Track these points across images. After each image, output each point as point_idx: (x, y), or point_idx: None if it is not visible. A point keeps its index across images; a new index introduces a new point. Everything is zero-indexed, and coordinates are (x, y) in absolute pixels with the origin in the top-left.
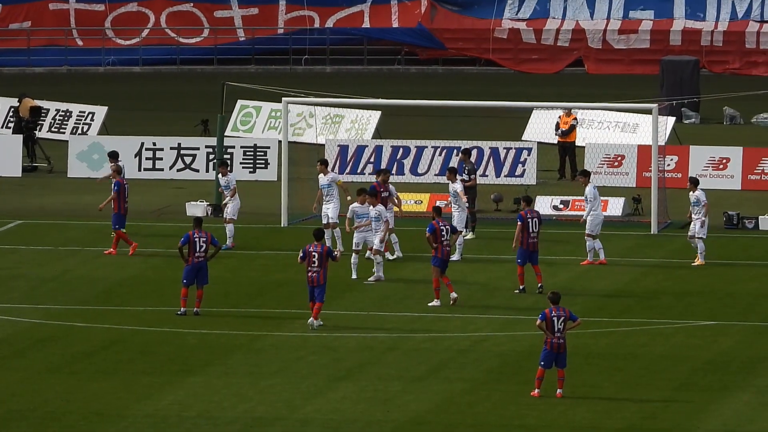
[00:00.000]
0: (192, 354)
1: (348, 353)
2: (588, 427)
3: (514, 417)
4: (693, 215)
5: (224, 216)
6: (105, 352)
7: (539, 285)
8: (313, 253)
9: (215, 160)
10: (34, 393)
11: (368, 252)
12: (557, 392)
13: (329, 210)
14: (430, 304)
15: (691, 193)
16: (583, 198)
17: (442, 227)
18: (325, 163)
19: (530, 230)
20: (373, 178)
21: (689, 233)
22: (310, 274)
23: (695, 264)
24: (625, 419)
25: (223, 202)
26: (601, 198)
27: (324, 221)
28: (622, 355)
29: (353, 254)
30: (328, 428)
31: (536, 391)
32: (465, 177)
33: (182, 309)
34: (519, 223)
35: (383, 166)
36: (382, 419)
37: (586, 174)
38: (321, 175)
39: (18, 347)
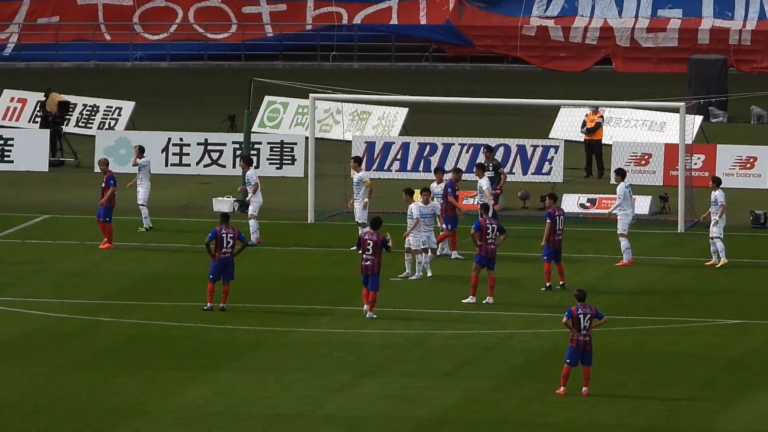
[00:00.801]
0: (217, 349)
1: (373, 350)
2: (612, 425)
3: (539, 414)
4: (711, 215)
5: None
6: (130, 347)
7: (561, 282)
8: (368, 241)
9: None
10: (59, 387)
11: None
12: (582, 390)
13: (357, 209)
14: (464, 301)
15: (712, 192)
16: (611, 196)
17: (488, 225)
18: (358, 161)
19: (556, 227)
20: (399, 176)
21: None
22: (364, 262)
23: (708, 264)
24: (650, 417)
25: (247, 198)
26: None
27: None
28: (647, 354)
29: (421, 254)
30: (352, 425)
31: (562, 388)
32: (491, 173)
33: (209, 304)
34: (549, 221)
35: (410, 163)
36: (406, 416)
37: (620, 173)
38: (353, 172)
39: (43, 341)
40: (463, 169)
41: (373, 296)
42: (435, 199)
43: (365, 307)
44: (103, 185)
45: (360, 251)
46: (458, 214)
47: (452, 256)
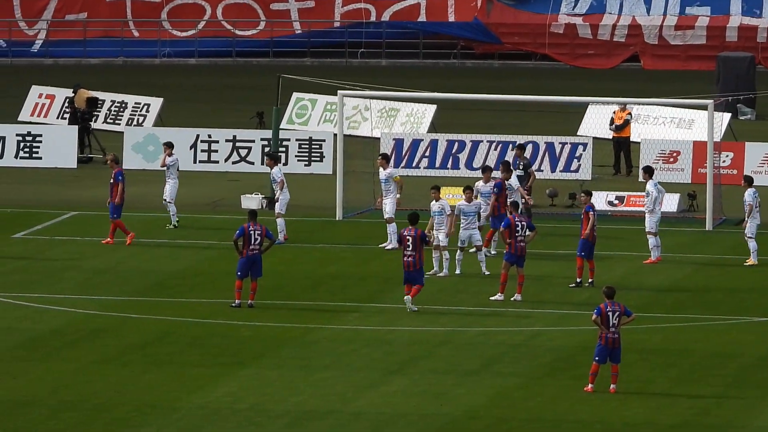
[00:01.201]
0: (245, 346)
1: (401, 347)
2: (641, 423)
3: (568, 412)
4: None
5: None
6: (158, 344)
7: (590, 280)
8: (408, 237)
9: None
10: (86, 384)
11: (472, 249)
12: (611, 387)
13: (387, 205)
14: (492, 298)
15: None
16: (639, 194)
17: (517, 222)
18: (386, 157)
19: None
20: (427, 173)
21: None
22: (405, 258)
23: (747, 263)
24: (678, 415)
25: (276, 196)
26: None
27: (385, 216)
28: (676, 351)
29: (458, 251)
30: (380, 422)
31: (590, 386)
32: (520, 172)
33: (237, 301)
34: (593, 213)
35: (438, 160)
36: (434, 413)
37: (648, 170)
38: (381, 169)
39: (71, 338)
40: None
41: (417, 288)
42: (480, 197)
43: (407, 296)
44: (112, 181)
45: (392, 247)
46: (522, 203)
47: (490, 253)
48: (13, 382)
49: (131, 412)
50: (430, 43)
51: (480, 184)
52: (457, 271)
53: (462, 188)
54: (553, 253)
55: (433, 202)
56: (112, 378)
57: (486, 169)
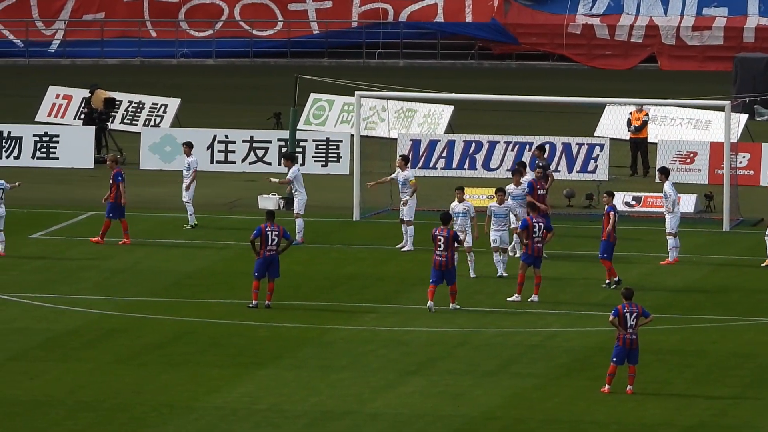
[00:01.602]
0: (262, 347)
1: (418, 347)
2: (658, 424)
3: (585, 413)
4: None
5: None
6: (175, 344)
7: (607, 281)
8: (439, 237)
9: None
10: (104, 384)
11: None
12: (627, 388)
13: (404, 207)
14: (509, 299)
15: None
16: (656, 195)
17: (535, 223)
18: (405, 159)
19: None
20: (444, 173)
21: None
22: (437, 258)
23: (764, 264)
24: (696, 416)
25: (294, 193)
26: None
27: (400, 217)
28: (693, 352)
29: (493, 252)
30: (397, 422)
31: (607, 387)
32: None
33: (254, 302)
34: (614, 214)
35: (455, 161)
36: (452, 414)
37: (664, 171)
38: (398, 171)
39: (88, 338)
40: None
41: (453, 289)
42: (510, 199)
43: (430, 303)
44: (111, 181)
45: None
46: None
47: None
48: (30, 383)
49: (149, 413)
50: (447, 43)
51: (511, 187)
52: (501, 273)
53: (482, 188)
54: (570, 254)
55: (456, 202)
56: (129, 378)
57: (516, 172)
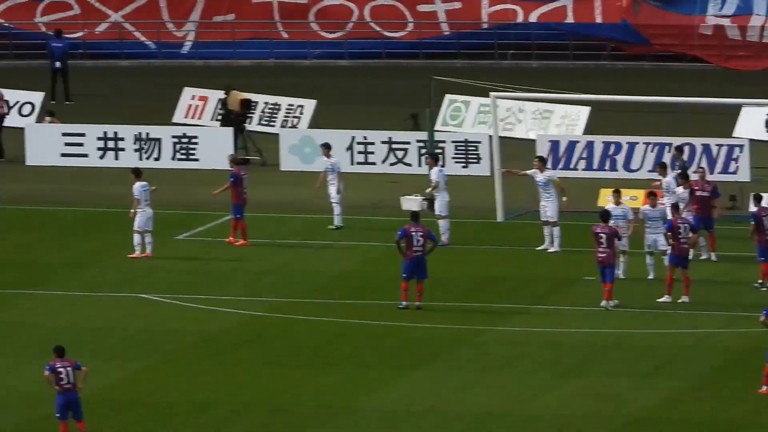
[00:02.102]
0: (418, 348)
1: (572, 349)
2: None
3: (743, 414)
4: None
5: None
6: (330, 346)
7: (760, 281)
8: (601, 235)
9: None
10: (261, 386)
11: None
12: None
13: (548, 209)
14: (659, 300)
15: None
16: None
17: (680, 224)
18: (542, 160)
19: (766, 227)
20: (585, 174)
21: None
22: (599, 255)
23: None
24: None
25: (430, 195)
26: None
27: (542, 218)
28: None
29: (647, 255)
30: (557, 424)
31: (764, 388)
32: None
33: (404, 303)
34: (753, 223)
35: (596, 162)
36: (611, 415)
37: None
38: (537, 172)
39: (240, 339)
40: (649, 168)
41: (609, 286)
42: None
43: (603, 302)
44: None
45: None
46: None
47: (712, 258)
48: (188, 384)
49: (309, 414)
50: (579, 44)
51: (679, 189)
52: (651, 276)
53: (624, 189)
54: (719, 255)
55: (612, 204)
56: (286, 379)
57: (681, 175)
